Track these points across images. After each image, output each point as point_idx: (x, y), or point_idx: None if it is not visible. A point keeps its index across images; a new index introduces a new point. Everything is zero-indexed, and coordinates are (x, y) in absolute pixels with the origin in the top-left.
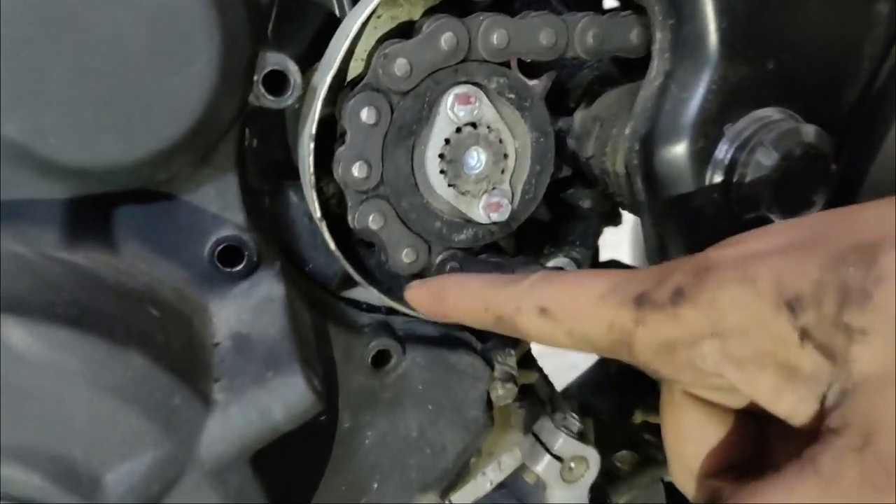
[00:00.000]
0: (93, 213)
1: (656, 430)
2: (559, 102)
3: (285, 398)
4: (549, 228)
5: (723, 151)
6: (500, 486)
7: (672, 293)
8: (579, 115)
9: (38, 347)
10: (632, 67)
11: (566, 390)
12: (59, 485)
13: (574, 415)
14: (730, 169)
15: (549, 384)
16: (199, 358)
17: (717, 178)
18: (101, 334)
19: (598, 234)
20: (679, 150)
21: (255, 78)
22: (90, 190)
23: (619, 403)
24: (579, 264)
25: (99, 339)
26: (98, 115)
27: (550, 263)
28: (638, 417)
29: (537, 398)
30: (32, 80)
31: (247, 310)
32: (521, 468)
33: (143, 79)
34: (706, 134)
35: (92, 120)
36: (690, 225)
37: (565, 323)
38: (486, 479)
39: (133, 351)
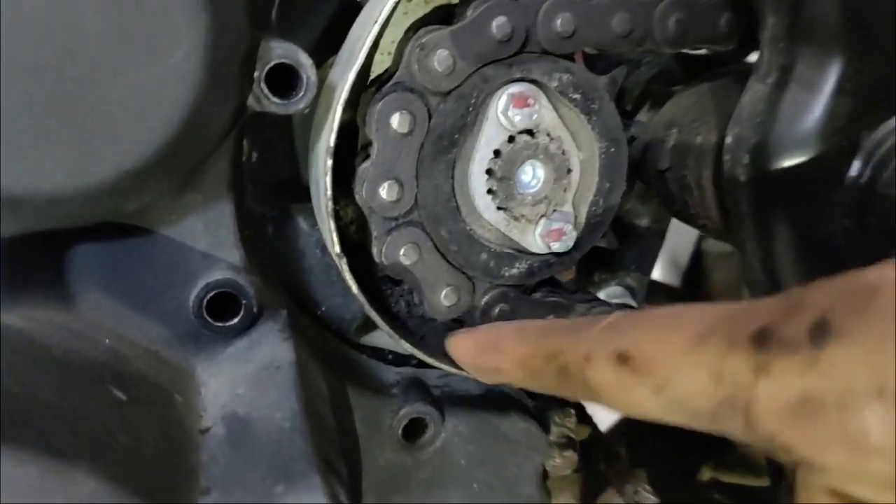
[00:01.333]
0: (39, 256)
1: (730, 490)
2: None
3: None
4: (602, 252)
5: (857, 167)
6: None
7: (811, 327)
8: (646, 121)
9: None
10: (695, 64)
11: (612, 438)
12: None
13: (647, 487)
14: (867, 190)
15: (602, 437)
16: (180, 459)
17: (851, 201)
18: (35, 446)
19: (655, 256)
20: (801, 165)
21: (257, 74)
22: (35, 226)
23: (680, 455)
24: (634, 293)
25: (31, 453)
26: (43, 126)
27: (602, 294)
28: (705, 474)
29: (592, 459)
30: None
31: (245, 380)
32: None
33: (104, 76)
34: (837, 145)
35: (34, 133)
36: (814, 261)
37: (653, 374)
38: None
39: (81, 470)
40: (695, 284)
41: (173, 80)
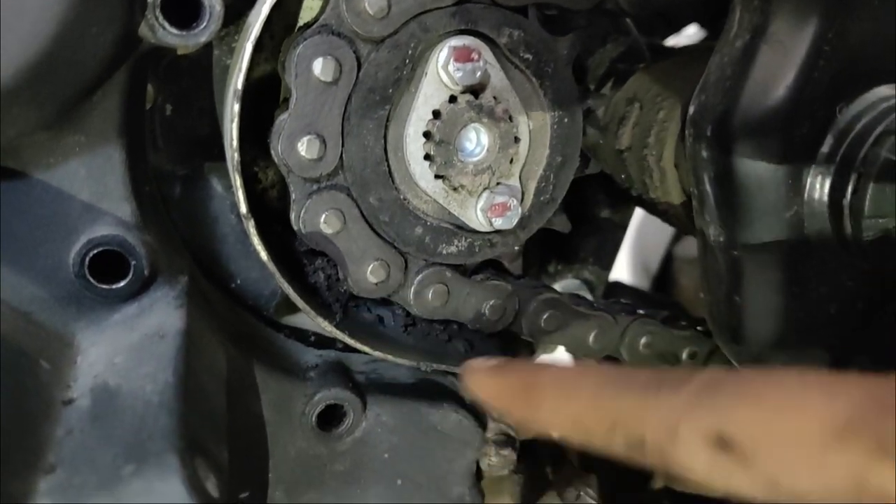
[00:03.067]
0: None
1: (680, 499)
2: (578, 82)
3: None
4: (557, 241)
5: (832, 143)
6: None
7: None
8: (607, 97)
9: None
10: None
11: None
12: None
13: (590, 491)
14: (843, 168)
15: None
16: (29, 433)
17: (824, 181)
18: None
19: (616, 249)
20: (771, 139)
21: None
22: None
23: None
24: (592, 287)
25: None
26: None
27: (558, 287)
28: (657, 483)
29: (536, 460)
30: None
31: (125, 349)
32: None
33: None
34: (811, 116)
35: None
36: (783, 249)
37: (765, 467)
38: None
39: None
40: (664, 288)
41: None
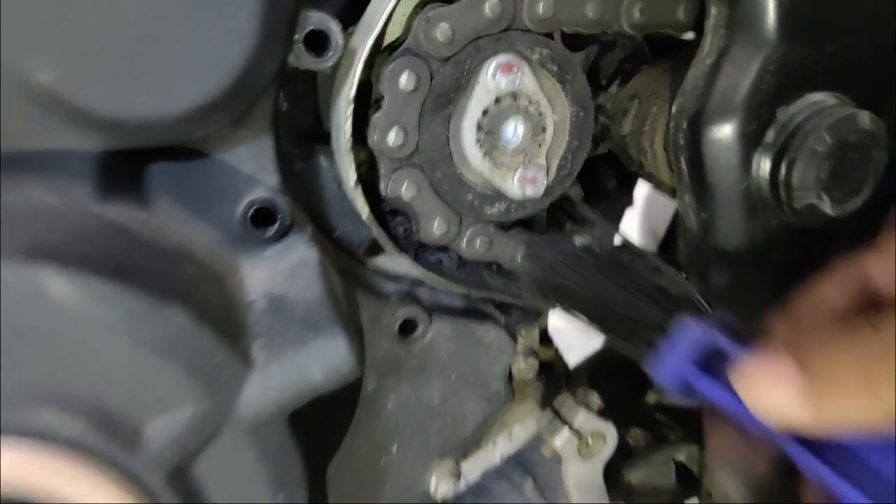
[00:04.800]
0: (126, 167)
1: (669, 410)
2: (592, 79)
3: (326, 360)
4: (572, 207)
5: (773, 135)
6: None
7: None
8: (614, 93)
9: (79, 299)
10: (663, 47)
11: (575, 370)
12: (100, 432)
13: (594, 392)
14: (780, 153)
15: (565, 362)
16: (236, 316)
17: (766, 162)
18: (142, 289)
19: (621, 213)
20: (729, 131)
21: (296, 37)
22: (124, 144)
23: (631, 383)
24: (600, 245)
25: (140, 293)
26: (136, 65)
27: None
28: (651, 397)
29: (554, 374)
30: (68, 25)
31: (280, 273)
32: (538, 442)
33: (184, 29)
34: (758, 116)
35: (129, 70)
36: (736, 208)
37: None
38: (497, 449)
39: (174, 307)
40: (669, 251)
41: (237, 36)
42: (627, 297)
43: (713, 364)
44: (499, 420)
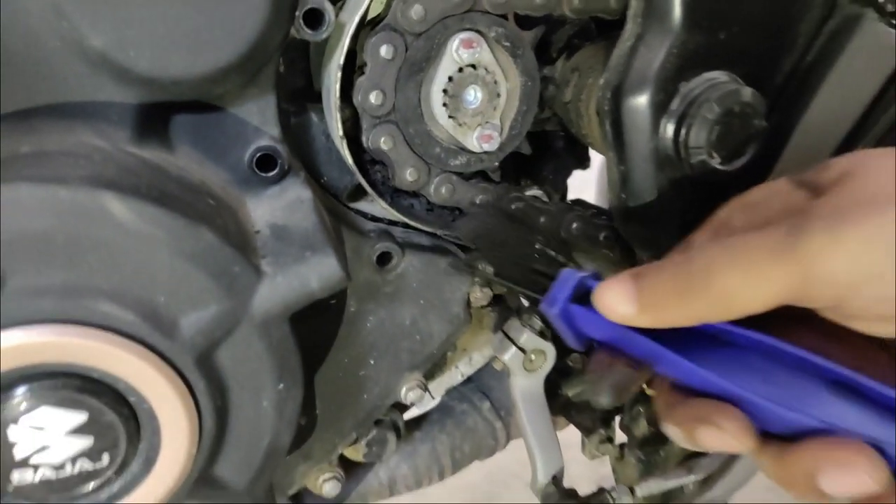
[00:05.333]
0: (157, 117)
1: None
2: (544, 52)
3: (321, 273)
4: (527, 163)
5: (676, 104)
6: (469, 380)
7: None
8: (560, 65)
9: (133, 219)
10: (606, 26)
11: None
12: (147, 322)
13: (537, 316)
14: (681, 119)
15: (517, 298)
16: (248, 239)
17: (671, 126)
18: (178, 212)
19: (568, 171)
20: (642, 100)
21: (297, 14)
22: (156, 97)
23: None
24: (549, 196)
25: (177, 215)
26: (171, 33)
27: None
28: None
29: (507, 306)
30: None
31: (280, 208)
32: (492, 359)
33: (212, 6)
34: (665, 89)
35: (166, 37)
36: (647, 162)
37: None
38: (458, 371)
39: (203, 227)
40: None
41: (253, 13)
42: (528, 250)
43: (584, 299)
44: (459, 343)
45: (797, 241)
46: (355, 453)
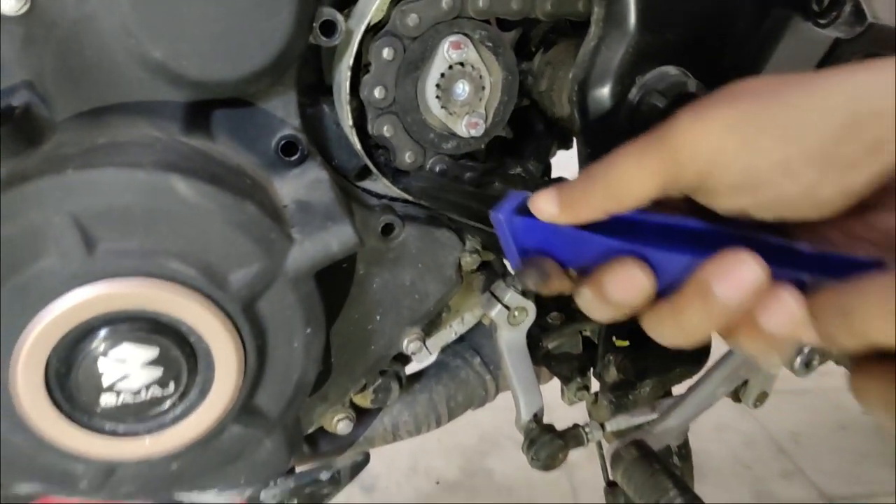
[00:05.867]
0: (202, 112)
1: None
2: (522, 49)
3: (340, 238)
4: (511, 145)
5: (633, 94)
6: (462, 339)
7: None
8: (537, 60)
9: (194, 195)
10: (579, 24)
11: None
12: (205, 276)
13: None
14: (637, 107)
15: (503, 262)
16: (279, 212)
17: (628, 113)
18: (227, 189)
19: (549, 151)
20: (604, 92)
21: (315, 24)
22: (202, 96)
23: None
24: (531, 174)
25: (226, 192)
26: (216, 45)
27: (511, 171)
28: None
29: (493, 270)
30: (176, 17)
31: (302, 187)
32: (481, 317)
33: (248, 21)
34: (623, 82)
35: (211, 48)
36: (609, 144)
37: None
38: (452, 330)
39: (247, 202)
40: None
41: (281, 26)
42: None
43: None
44: (453, 305)
45: (668, 130)
46: (364, 400)
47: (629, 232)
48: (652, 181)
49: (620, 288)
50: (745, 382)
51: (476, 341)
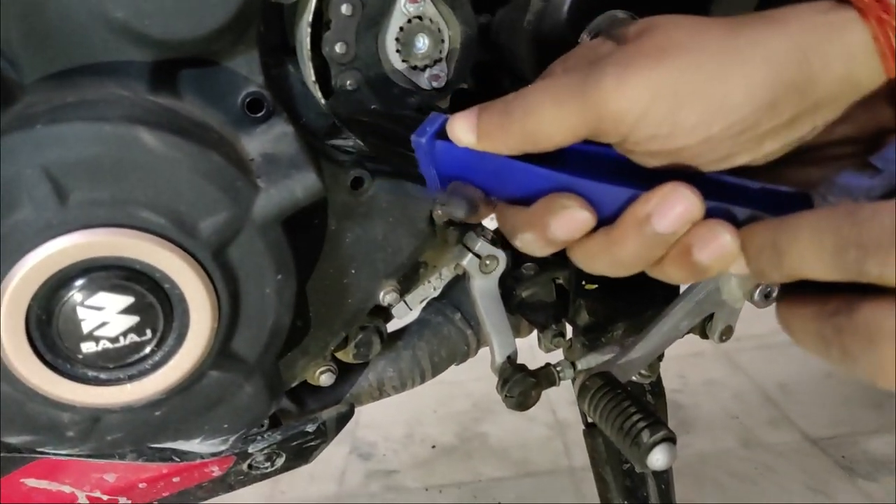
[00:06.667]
0: (167, 71)
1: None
2: (483, 2)
3: (304, 185)
4: (473, 96)
5: (584, 39)
6: (442, 296)
7: None
8: (498, 14)
9: (160, 146)
10: None
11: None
12: (175, 225)
13: (489, 228)
14: None
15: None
16: (245, 163)
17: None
18: (194, 141)
19: None
20: (556, 37)
21: None
22: (167, 55)
23: None
24: None
25: (193, 143)
26: (177, 3)
27: None
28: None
29: (466, 224)
30: None
31: (268, 141)
32: (456, 268)
33: None
34: (574, 27)
35: (173, 7)
36: None
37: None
38: (431, 286)
39: (213, 152)
40: None
41: None
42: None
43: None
44: (430, 261)
45: (592, 83)
46: (346, 355)
47: (556, 159)
48: (571, 133)
49: (565, 229)
50: (711, 318)
51: (456, 298)
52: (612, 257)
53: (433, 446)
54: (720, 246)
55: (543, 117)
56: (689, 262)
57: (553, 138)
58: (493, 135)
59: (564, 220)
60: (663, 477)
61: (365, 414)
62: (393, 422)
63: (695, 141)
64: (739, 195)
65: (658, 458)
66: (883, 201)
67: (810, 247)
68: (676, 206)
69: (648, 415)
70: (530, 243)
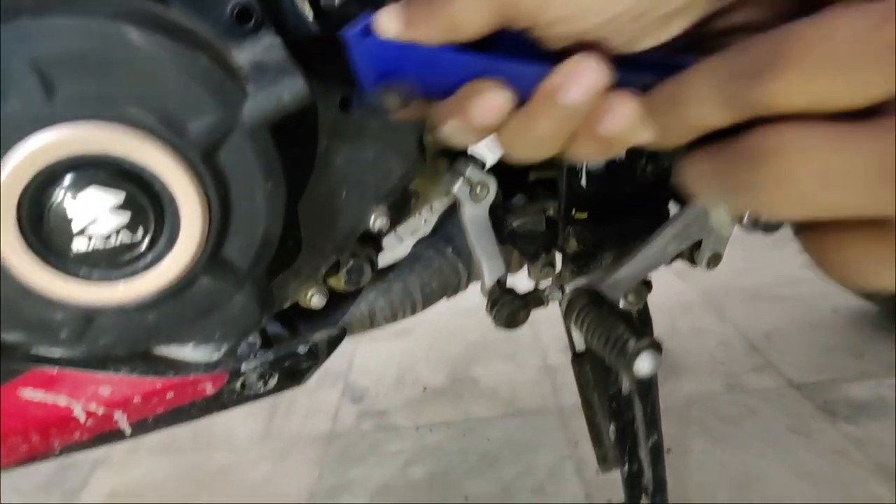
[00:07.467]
0: None
1: (545, 182)
2: None
3: (292, 90)
4: None
5: None
6: (434, 232)
7: None
8: None
9: (147, 44)
10: None
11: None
12: (163, 123)
13: (478, 157)
14: None
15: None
16: (234, 69)
17: None
18: (183, 41)
19: None
20: None
21: None
22: None
23: (520, 170)
24: None
25: (182, 43)
26: None
27: None
28: (532, 176)
29: (457, 153)
30: None
31: (257, 51)
32: (454, 219)
33: None
34: None
35: None
36: None
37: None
38: (422, 217)
39: (201, 53)
40: None
41: None
42: None
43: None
44: (421, 192)
45: None
46: (338, 282)
47: (484, 44)
48: (486, 19)
49: (485, 112)
50: (699, 245)
51: (448, 231)
52: (529, 135)
53: (424, 388)
54: (625, 113)
55: (462, 8)
56: (596, 134)
57: (471, 24)
58: (418, 23)
59: (483, 102)
60: (648, 399)
61: (358, 358)
62: (385, 365)
63: (598, 22)
64: (647, 69)
65: (644, 365)
66: (770, 30)
67: (703, 89)
68: (582, 76)
69: (633, 326)
70: (456, 131)
